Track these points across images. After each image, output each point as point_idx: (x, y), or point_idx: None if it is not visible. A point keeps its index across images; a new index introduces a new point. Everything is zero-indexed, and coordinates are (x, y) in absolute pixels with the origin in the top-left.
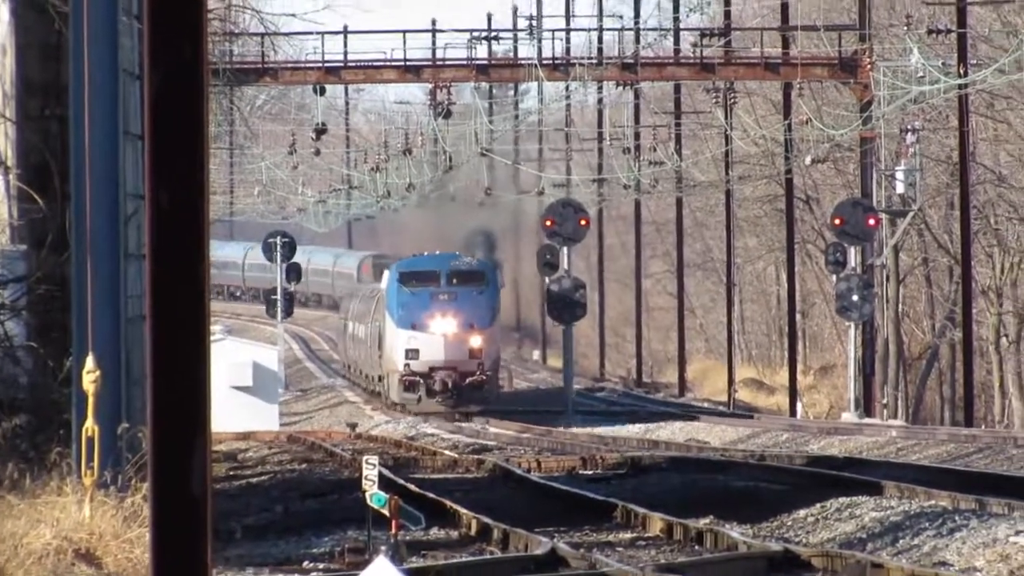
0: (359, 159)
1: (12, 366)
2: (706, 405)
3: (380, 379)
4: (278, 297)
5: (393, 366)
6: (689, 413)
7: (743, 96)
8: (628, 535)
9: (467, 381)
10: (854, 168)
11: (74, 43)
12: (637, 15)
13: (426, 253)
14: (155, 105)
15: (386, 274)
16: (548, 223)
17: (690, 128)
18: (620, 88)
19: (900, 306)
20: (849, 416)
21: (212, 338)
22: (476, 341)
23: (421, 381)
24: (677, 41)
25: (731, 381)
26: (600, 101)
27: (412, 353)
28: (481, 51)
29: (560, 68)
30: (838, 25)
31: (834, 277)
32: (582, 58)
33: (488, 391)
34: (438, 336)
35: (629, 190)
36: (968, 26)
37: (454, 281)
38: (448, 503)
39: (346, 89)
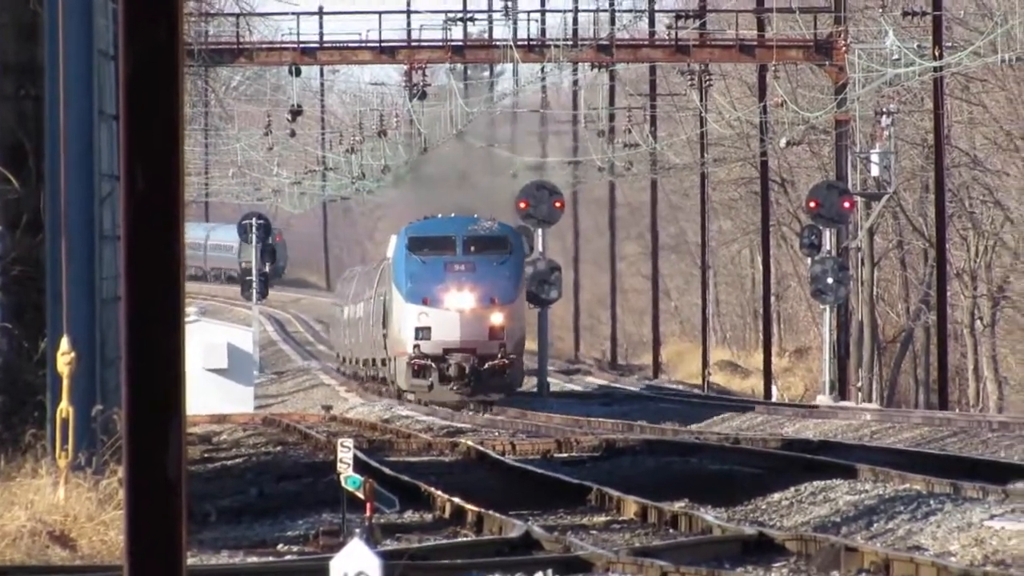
0: (334, 140)
1: None
2: (680, 388)
3: (384, 363)
4: (253, 278)
5: (400, 348)
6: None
7: (718, 78)
8: (602, 518)
9: (487, 365)
10: (829, 151)
11: (49, 23)
12: None
13: (440, 215)
14: (130, 86)
15: (392, 240)
16: (522, 205)
17: (665, 110)
18: (595, 70)
19: (875, 289)
20: (824, 399)
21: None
22: (498, 318)
23: (433, 365)
24: (652, 23)
25: (705, 364)
26: (575, 83)
27: (423, 332)
28: (456, 32)
29: (535, 50)
30: (813, 8)
31: (809, 260)
32: (557, 40)
33: (511, 377)
34: (453, 313)
35: (603, 172)
36: (943, 8)
37: (472, 248)
38: (422, 486)
39: (321, 70)
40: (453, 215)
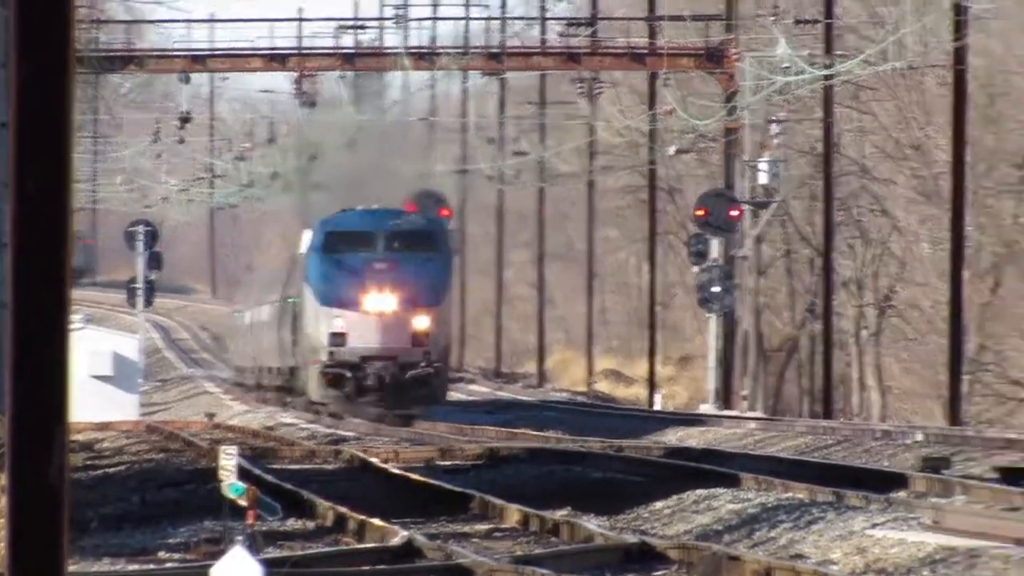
0: (223, 148)
1: None
2: (564, 396)
3: (293, 372)
4: (138, 286)
5: (313, 355)
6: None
7: (608, 87)
8: (485, 526)
9: (409, 375)
10: (718, 159)
11: None
12: (504, 4)
13: (359, 207)
14: (21, 93)
15: (306, 235)
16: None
17: (555, 118)
18: (486, 78)
19: (761, 297)
20: (708, 407)
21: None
22: (422, 323)
23: (349, 375)
24: (544, 31)
25: (590, 372)
26: (465, 91)
27: (338, 338)
28: (347, 40)
29: (426, 58)
30: (705, 15)
31: (695, 268)
32: (448, 48)
33: (436, 388)
34: (372, 316)
35: (492, 180)
36: (835, 16)
37: (395, 245)
38: (305, 493)
39: (211, 78)
40: (375, 207)
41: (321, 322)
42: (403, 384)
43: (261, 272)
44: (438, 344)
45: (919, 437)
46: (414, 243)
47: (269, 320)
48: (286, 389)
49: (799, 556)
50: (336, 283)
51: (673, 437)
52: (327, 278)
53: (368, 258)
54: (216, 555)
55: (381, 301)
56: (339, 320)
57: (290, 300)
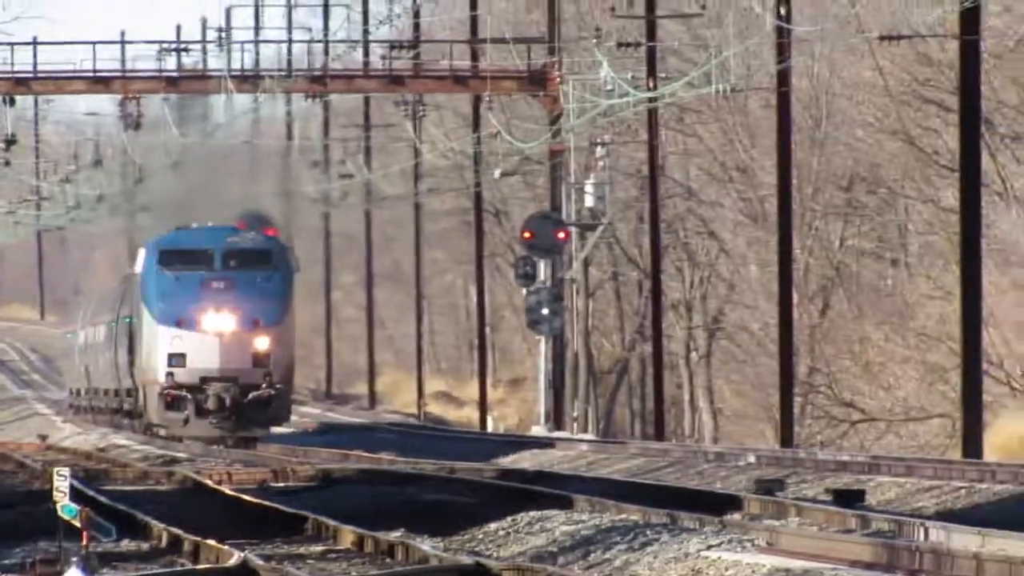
0: (49, 170)
1: None
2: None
3: (130, 394)
4: None
5: (151, 376)
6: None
7: (432, 109)
8: (320, 548)
9: (250, 396)
10: (544, 181)
11: None
12: (326, 27)
13: (194, 225)
14: None
15: (141, 253)
16: None
17: (379, 141)
18: (309, 100)
19: (590, 320)
20: (539, 429)
21: None
22: (262, 343)
23: (189, 396)
24: (367, 53)
25: (420, 394)
26: (288, 114)
27: (177, 359)
28: (171, 63)
29: (250, 80)
30: (527, 38)
31: (524, 290)
32: (271, 70)
33: (278, 410)
34: (211, 336)
35: (318, 203)
36: (657, 39)
37: (232, 263)
38: (139, 515)
39: (36, 100)
40: (210, 224)
41: (159, 342)
42: (244, 406)
43: (94, 291)
44: (280, 364)
45: (751, 459)
46: (252, 261)
47: (104, 341)
48: (124, 412)
49: None
50: (174, 302)
51: (506, 460)
52: (164, 297)
53: (205, 277)
54: None
55: (220, 320)
56: (178, 340)
57: (126, 319)
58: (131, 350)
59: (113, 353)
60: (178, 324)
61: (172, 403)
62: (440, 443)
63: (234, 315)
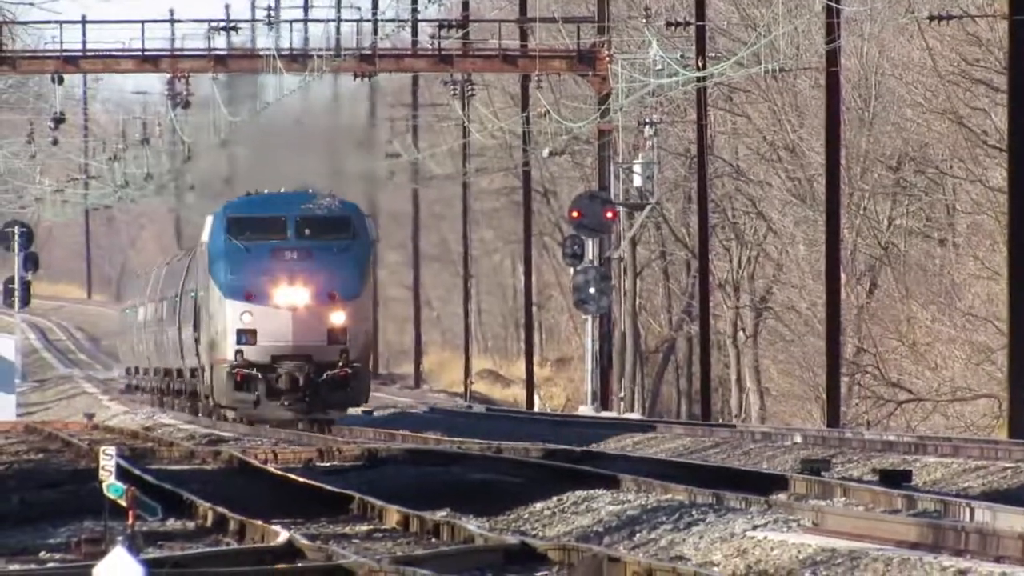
0: (97, 149)
1: None
2: (442, 397)
3: (195, 374)
4: (16, 286)
5: (218, 354)
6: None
7: (481, 88)
8: (365, 527)
9: (325, 376)
10: (592, 161)
11: None
12: (375, 6)
13: (266, 190)
14: None
15: (208, 221)
16: None
17: (427, 120)
18: (358, 80)
19: (637, 299)
20: (586, 409)
21: None
22: (339, 318)
23: (260, 376)
24: (415, 33)
25: (467, 373)
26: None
27: (246, 336)
28: (220, 41)
29: (298, 59)
30: (576, 17)
31: (571, 270)
32: (320, 49)
33: (356, 390)
34: (284, 311)
35: (364, 181)
36: (707, 19)
37: (307, 232)
38: (185, 494)
39: (84, 79)
40: (282, 190)
41: (227, 318)
42: (319, 386)
43: (158, 264)
44: (357, 341)
45: (798, 439)
46: (329, 229)
47: (167, 317)
48: (188, 392)
49: (680, 558)
50: (243, 274)
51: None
52: (233, 268)
53: (277, 246)
54: (97, 555)
55: (293, 294)
56: (247, 315)
57: (192, 294)
58: (196, 326)
59: (177, 330)
60: (247, 298)
61: (241, 383)
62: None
63: (308, 288)
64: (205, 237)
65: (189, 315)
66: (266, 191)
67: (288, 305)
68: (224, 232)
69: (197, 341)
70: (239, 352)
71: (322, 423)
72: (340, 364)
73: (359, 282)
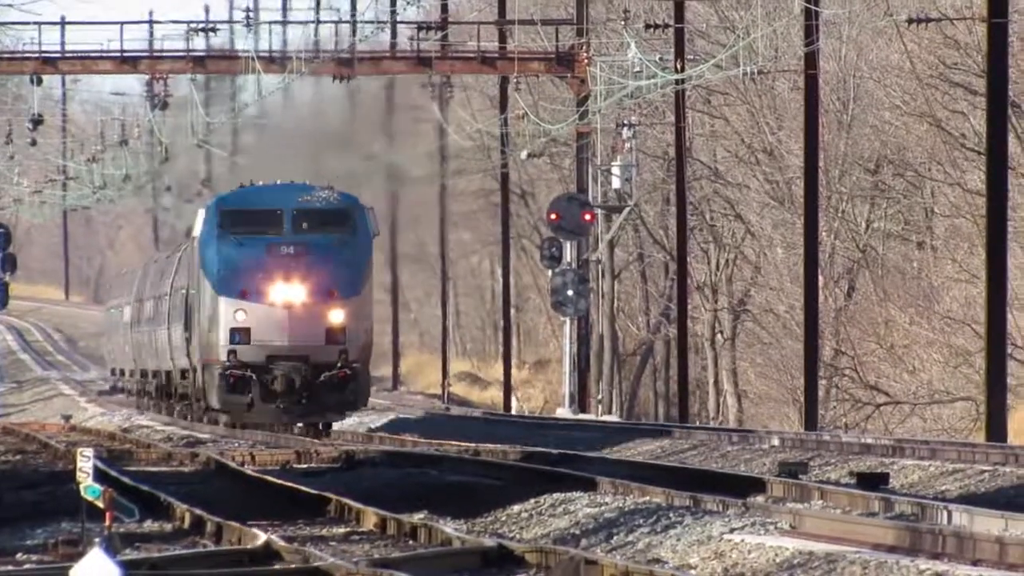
0: (76, 150)
1: None
2: (419, 399)
3: (185, 375)
4: None
5: (210, 354)
6: None
7: (460, 90)
8: (342, 529)
9: (323, 377)
10: (570, 163)
11: None
12: (354, 8)
13: (260, 182)
14: None
15: (200, 214)
16: None
17: (405, 122)
18: (337, 82)
19: (615, 302)
20: (564, 411)
21: None
22: (337, 316)
23: (254, 377)
24: (394, 35)
25: (445, 375)
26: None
27: (240, 335)
28: (198, 43)
29: (277, 61)
30: (555, 19)
31: (549, 272)
32: (299, 51)
33: (355, 392)
34: (279, 309)
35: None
36: (685, 21)
37: (304, 225)
38: (162, 496)
39: (63, 80)
40: (278, 181)
41: (220, 316)
42: (316, 388)
43: (147, 261)
44: (357, 341)
45: (775, 442)
46: (327, 222)
47: (156, 315)
48: (178, 395)
49: (657, 560)
50: (237, 270)
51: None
52: (226, 264)
53: (273, 241)
54: (75, 557)
55: (289, 291)
56: (241, 313)
57: (182, 291)
58: (187, 326)
59: (166, 330)
60: (242, 295)
61: (234, 385)
62: (462, 426)
63: (305, 285)
64: (197, 231)
65: (179, 314)
66: (261, 183)
67: (284, 303)
68: (217, 226)
69: (188, 341)
70: (232, 352)
71: (319, 427)
72: (339, 365)
73: (359, 279)
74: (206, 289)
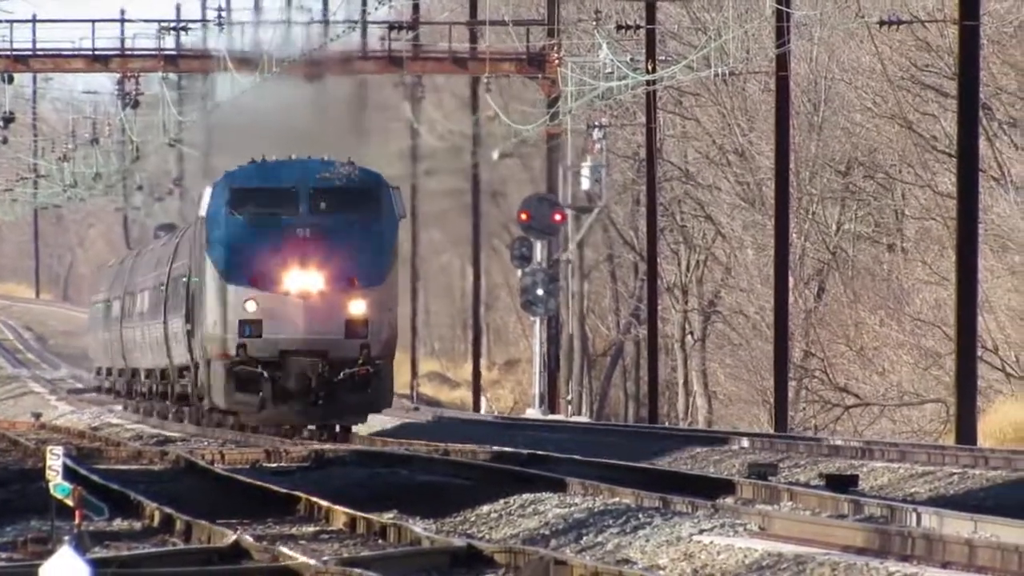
0: (47, 148)
1: None
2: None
3: (185, 373)
4: None
5: (217, 348)
6: None
7: (431, 91)
8: (312, 528)
9: (342, 375)
10: (541, 163)
11: None
12: (326, 8)
13: (274, 158)
14: None
15: (206, 193)
16: None
17: (376, 122)
18: (308, 82)
19: (585, 302)
20: (534, 412)
21: None
22: (358, 308)
23: (265, 375)
24: (365, 35)
25: (414, 374)
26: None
27: (250, 327)
28: (170, 42)
29: (248, 61)
30: (526, 20)
31: (519, 272)
32: (270, 51)
33: (377, 392)
34: (294, 298)
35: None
36: (657, 22)
37: (322, 206)
38: (131, 494)
39: (34, 78)
40: (293, 157)
41: (228, 306)
42: (335, 386)
43: (137, 250)
44: (379, 335)
45: (745, 443)
46: (349, 202)
47: (150, 308)
48: (176, 395)
49: (626, 561)
50: (247, 255)
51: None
52: (235, 248)
53: (288, 223)
54: (44, 555)
55: (306, 279)
56: (251, 303)
57: (183, 280)
58: (188, 317)
59: (162, 323)
60: (252, 283)
61: (243, 383)
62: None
63: (323, 272)
64: (203, 210)
65: (179, 304)
66: (274, 158)
67: (299, 292)
68: (226, 205)
69: (189, 334)
70: (241, 347)
71: (337, 431)
72: (360, 362)
73: (383, 266)
74: (212, 276)
